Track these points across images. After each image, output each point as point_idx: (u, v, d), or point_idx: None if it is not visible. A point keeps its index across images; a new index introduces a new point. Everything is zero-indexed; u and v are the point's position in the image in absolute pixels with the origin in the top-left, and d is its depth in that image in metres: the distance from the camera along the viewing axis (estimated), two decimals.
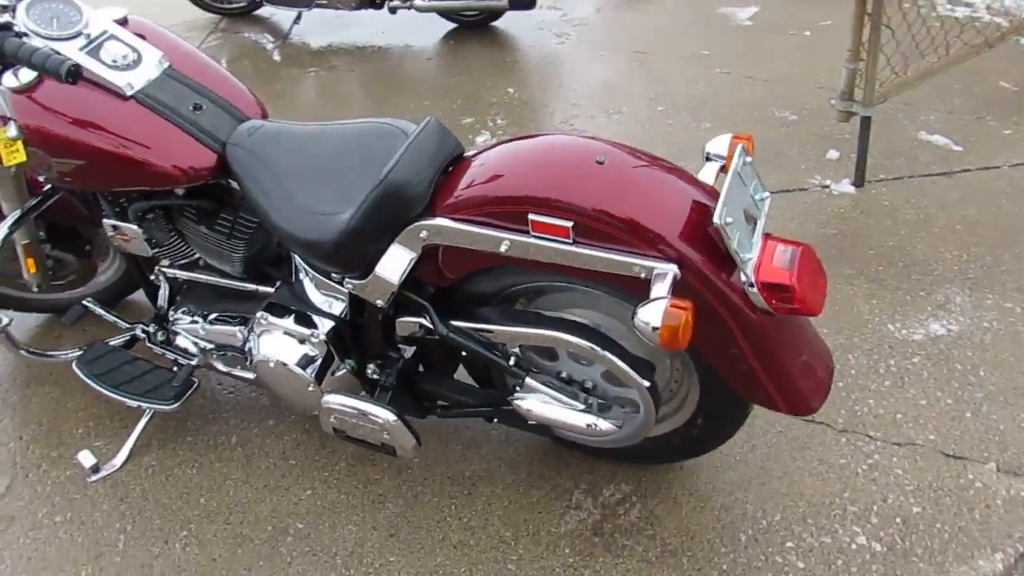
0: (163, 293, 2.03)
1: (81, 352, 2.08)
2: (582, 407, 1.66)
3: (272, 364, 1.78)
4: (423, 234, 1.55)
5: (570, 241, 1.44)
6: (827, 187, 2.88)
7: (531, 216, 1.45)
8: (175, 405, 1.97)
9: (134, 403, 1.97)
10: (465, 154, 1.65)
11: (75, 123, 1.69)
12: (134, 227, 1.83)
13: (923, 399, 2.02)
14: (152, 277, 2.02)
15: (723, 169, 1.57)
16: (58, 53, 1.52)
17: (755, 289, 1.39)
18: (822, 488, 1.83)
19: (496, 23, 4.55)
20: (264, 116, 1.87)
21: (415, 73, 4.13)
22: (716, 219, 1.31)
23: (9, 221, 1.92)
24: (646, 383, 1.56)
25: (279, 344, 1.78)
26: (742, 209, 1.40)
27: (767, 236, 1.45)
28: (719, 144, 1.58)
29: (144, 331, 2.06)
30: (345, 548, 1.80)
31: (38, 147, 1.72)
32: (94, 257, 2.33)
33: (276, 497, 1.93)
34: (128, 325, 2.09)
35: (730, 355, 1.50)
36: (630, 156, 1.50)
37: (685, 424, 1.76)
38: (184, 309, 2.01)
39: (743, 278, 1.37)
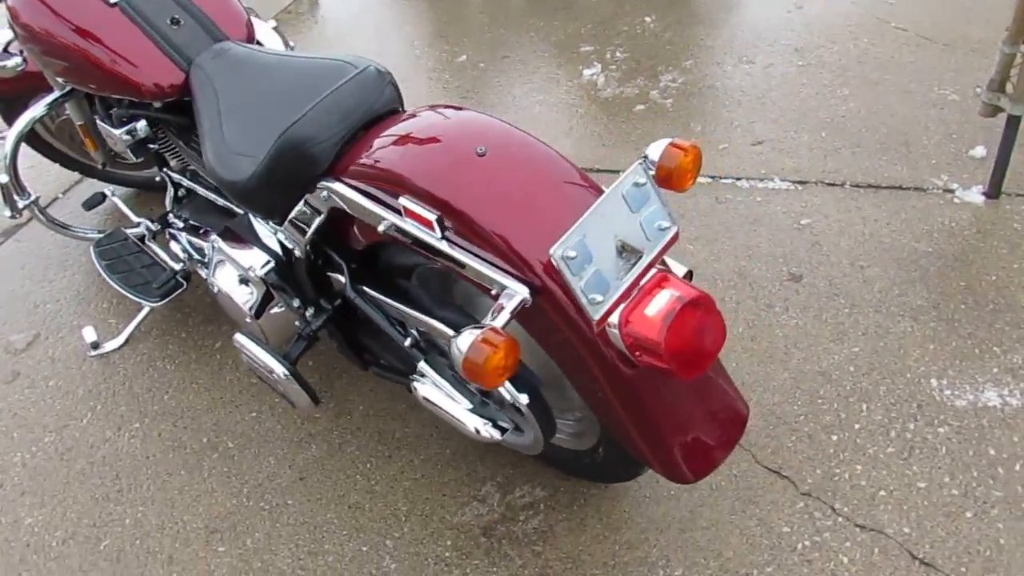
0: (168, 194, 2.11)
1: (100, 236, 2.23)
2: (470, 406, 1.54)
3: (217, 289, 1.80)
4: (323, 195, 1.46)
5: (436, 234, 1.29)
6: (951, 192, 2.39)
7: (402, 200, 1.31)
8: (158, 303, 2.07)
9: (125, 293, 2.09)
10: (400, 112, 1.52)
11: (62, 23, 1.74)
12: (116, 132, 1.88)
13: (923, 481, 1.67)
14: (157, 179, 2.09)
15: (652, 178, 1.32)
16: None
17: (616, 331, 1.18)
18: (745, 554, 1.59)
19: None
20: (249, 38, 1.82)
21: None
22: (552, 250, 1.10)
23: (41, 104, 2.04)
24: (523, 398, 1.41)
25: (224, 272, 1.79)
26: (616, 240, 1.17)
27: (662, 275, 1.21)
28: (656, 150, 1.32)
29: (148, 228, 2.16)
30: (256, 478, 1.84)
31: (32, 44, 1.79)
32: None
33: (224, 412, 2.00)
34: (136, 220, 2.20)
35: (599, 400, 1.31)
36: (519, 151, 1.30)
37: (589, 450, 1.59)
38: (181, 214, 2.08)
39: (593, 321, 1.16)
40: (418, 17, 3.82)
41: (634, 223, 1.18)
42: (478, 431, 1.50)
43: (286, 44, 2.32)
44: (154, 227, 2.15)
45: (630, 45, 3.33)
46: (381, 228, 1.37)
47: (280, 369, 1.63)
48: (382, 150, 1.37)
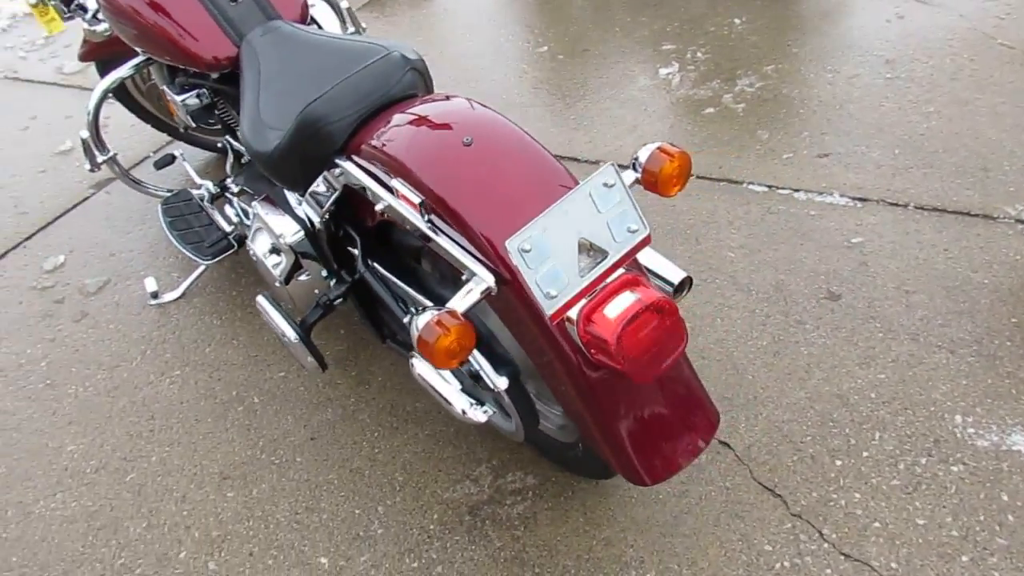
0: (228, 160, 2.24)
1: (168, 194, 2.40)
2: (460, 387, 1.58)
3: (252, 254, 1.92)
4: (337, 171, 1.54)
5: (422, 217, 1.34)
6: (1023, 224, 2.25)
7: (394, 182, 1.37)
8: (209, 261, 2.21)
9: (181, 250, 2.25)
10: (417, 97, 1.58)
11: None
12: (178, 98, 2.02)
13: (923, 518, 1.60)
14: (219, 145, 2.23)
15: (638, 181, 1.33)
16: None
17: (575, 328, 1.20)
18: (720, 566, 1.57)
19: None
20: (302, 18, 1.91)
21: None
22: (507, 242, 1.13)
23: (123, 68, 2.21)
24: (502, 383, 1.44)
25: (261, 238, 1.90)
26: (579, 238, 1.18)
27: (629, 277, 1.22)
28: (644, 153, 1.33)
29: (208, 190, 2.31)
30: (273, 434, 1.95)
31: (109, 11, 1.95)
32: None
33: (256, 369, 2.12)
34: (199, 182, 2.35)
35: (562, 394, 1.33)
36: (504, 144, 1.32)
37: (572, 443, 1.61)
38: (237, 180, 2.21)
39: (546, 315, 1.18)
40: (510, 5, 3.87)
41: (600, 223, 1.19)
42: (464, 412, 1.54)
43: (357, 27, 2.42)
44: (213, 190, 2.29)
45: (713, 46, 3.28)
46: (378, 207, 1.43)
47: (291, 333, 1.72)
48: (386, 133, 1.43)
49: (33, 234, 2.75)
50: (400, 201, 1.37)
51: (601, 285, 1.20)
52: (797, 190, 2.47)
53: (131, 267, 2.52)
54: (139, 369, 2.17)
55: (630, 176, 1.32)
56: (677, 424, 1.32)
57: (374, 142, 1.44)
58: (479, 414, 1.53)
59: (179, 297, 2.37)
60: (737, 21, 3.43)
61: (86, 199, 2.88)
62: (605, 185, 1.18)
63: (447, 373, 1.58)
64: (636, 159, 1.32)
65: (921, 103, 2.76)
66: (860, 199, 2.40)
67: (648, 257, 1.48)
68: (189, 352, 2.20)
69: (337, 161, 1.51)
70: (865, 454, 1.72)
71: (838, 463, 1.71)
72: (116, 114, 3.12)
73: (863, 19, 3.28)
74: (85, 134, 2.21)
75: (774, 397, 1.86)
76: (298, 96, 1.58)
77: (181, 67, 1.97)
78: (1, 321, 2.39)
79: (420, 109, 1.44)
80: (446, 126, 1.36)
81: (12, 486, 1.90)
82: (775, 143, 2.68)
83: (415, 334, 1.16)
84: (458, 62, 3.48)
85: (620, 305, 1.18)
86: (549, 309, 1.15)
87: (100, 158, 2.29)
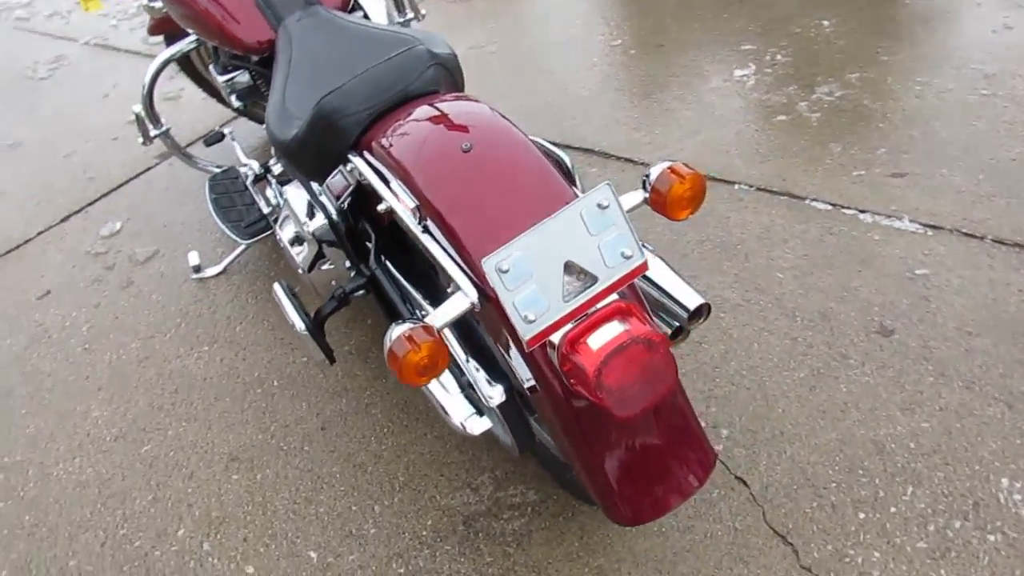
0: None
1: (218, 171, 2.43)
2: (460, 392, 1.53)
3: (279, 240, 1.92)
4: (349, 167, 1.50)
5: (418, 223, 1.29)
6: None
7: (393, 184, 1.32)
8: (246, 240, 2.23)
9: (221, 226, 2.27)
10: (436, 94, 1.52)
11: None
12: (220, 78, 2.02)
13: None
14: (263, 125, 2.24)
15: (646, 201, 1.25)
16: None
17: (555, 355, 1.13)
18: None
19: None
20: (343, 5, 1.88)
21: None
22: (484, 260, 1.06)
23: (176, 46, 2.24)
24: (496, 398, 1.38)
25: (286, 225, 1.90)
26: (566, 260, 1.11)
27: (620, 306, 1.14)
28: (655, 171, 1.24)
29: (252, 170, 2.32)
30: (286, 419, 1.95)
31: None
32: None
33: (280, 352, 2.13)
34: (245, 162, 2.37)
35: (547, 418, 1.26)
36: (505, 152, 1.26)
37: (568, 464, 1.53)
38: (278, 162, 2.21)
39: (523, 339, 1.11)
40: None
41: (592, 246, 1.11)
42: (462, 425, 1.49)
43: (416, 12, 2.39)
44: (257, 171, 2.30)
45: (796, 49, 3.10)
46: (380, 208, 1.39)
47: (299, 325, 1.70)
48: (394, 132, 1.38)
49: (96, 200, 2.84)
50: (400, 204, 1.32)
51: (588, 311, 1.12)
52: (863, 211, 2.30)
53: (180, 239, 2.57)
54: (171, 342, 2.21)
55: (639, 196, 1.23)
56: (667, 462, 1.23)
57: (382, 140, 1.39)
58: (474, 426, 1.47)
59: (219, 273, 2.40)
60: (826, 23, 3.24)
61: (149, 169, 2.95)
62: (599, 206, 1.10)
63: (449, 381, 1.53)
64: (647, 177, 1.23)
65: (1018, 125, 2.53)
66: (932, 226, 2.22)
67: (665, 278, 1.39)
68: (220, 329, 2.22)
69: (349, 156, 1.47)
70: (893, 509, 1.58)
71: (861, 515, 1.58)
72: (190, 87, 3.18)
73: (965, 27, 3.04)
74: (138, 108, 2.25)
75: (802, 435, 1.74)
76: (319, 86, 1.54)
77: (224, 48, 1.97)
78: (55, 283, 2.48)
79: (429, 109, 1.38)
80: (449, 129, 1.30)
81: (37, 446, 1.97)
82: (847, 158, 2.50)
83: (387, 345, 1.11)
84: (526, 51, 3.41)
85: (605, 335, 1.10)
86: (526, 334, 1.08)
87: (153, 132, 2.33)
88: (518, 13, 3.71)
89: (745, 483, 1.67)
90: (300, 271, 1.86)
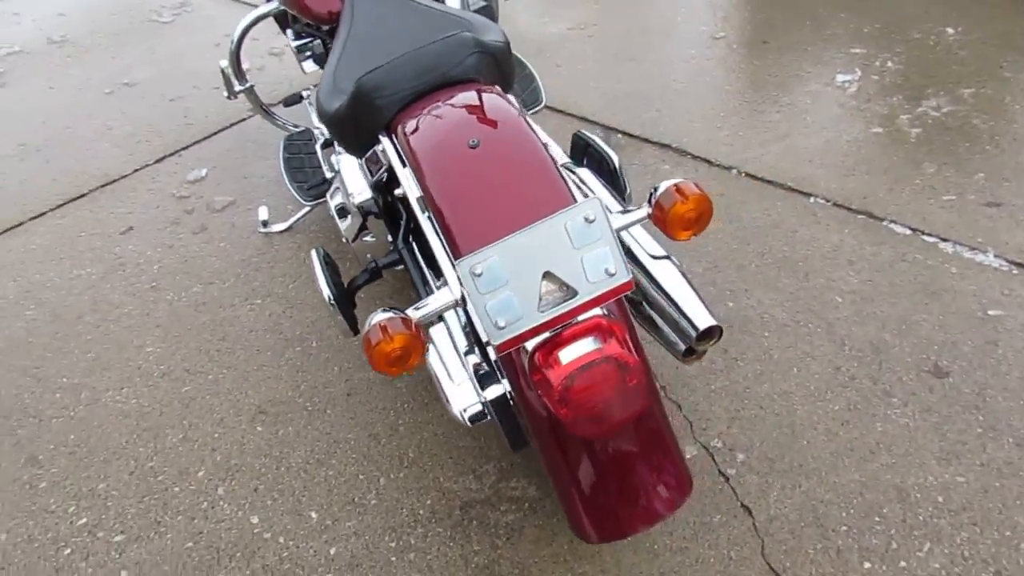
0: None
1: (295, 131, 2.51)
2: (462, 378, 1.53)
3: (329, 207, 1.97)
4: (380, 147, 1.52)
5: (422, 212, 1.30)
6: None
7: (406, 170, 1.33)
8: (307, 202, 2.30)
9: (287, 185, 2.35)
10: (473, 82, 1.51)
11: None
12: (293, 43, 2.07)
13: None
14: None
15: (650, 216, 1.20)
16: None
17: (526, 363, 1.12)
18: None
19: None
20: None
21: None
22: (458, 261, 1.06)
23: (257, 12, 2.30)
24: (491, 392, 1.38)
25: (336, 193, 1.94)
26: (545, 270, 1.08)
27: (599, 322, 1.11)
28: (661, 187, 1.19)
29: (322, 134, 2.38)
30: (316, 381, 2.02)
31: None
32: None
33: (324, 313, 2.19)
34: (318, 125, 2.43)
35: (524, 422, 1.25)
36: (512, 151, 1.23)
37: None
38: None
39: (492, 345, 1.10)
40: None
41: (575, 259, 1.08)
42: (463, 414, 1.50)
43: None
44: (326, 136, 2.36)
45: (911, 56, 2.90)
46: (397, 191, 1.40)
47: (326, 293, 1.74)
48: (417, 118, 1.38)
49: (190, 145, 2.99)
50: (409, 191, 1.32)
51: (566, 324, 1.10)
52: (946, 240, 2.15)
53: (256, 192, 2.68)
54: (229, 290, 2.31)
55: (644, 210, 1.19)
56: (636, 486, 1.20)
57: (406, 125, 1.40)
58: (466, 414, 1.48)
59: (285, 230, 2.48)
60: (950, 30, 3.01)
61: (243, 120, 3.08)
62: (585, 219, 1.07)
63: (457, 368, 1.54)
64: (653, 191, 1.19)
65: None
66: (1019, 264, 2.05)
67: (681, 294, 1.35)
68: (275, 284, 2.31)
69: (380, 136, 1.49)
70: (903, 564, 1.49)
71: (867, 566, 1.49)
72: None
73: None
74: (224, 63, 2.33)
75: (822, 471, 1.66)
76: (365, 62, 1.56)
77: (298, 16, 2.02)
78: (138, 220, 2.63)
79: (455, 100, 1.38)
80: (462, 124, 1.30)
81: (93, 372, 2.11)
82: (939, 180, 2.33)
83: (364, 330, 1.13)
84: (624, 36, 3.33)
85: (577, 351, 1.07)
86: (495, 339, 1.07)
87: (237, 87, 2.42)
88: (620, 5, 3.63)
89: (750, 512, 1.61)
90: (344, 240, 1.90)
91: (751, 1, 3.43)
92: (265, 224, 2.47)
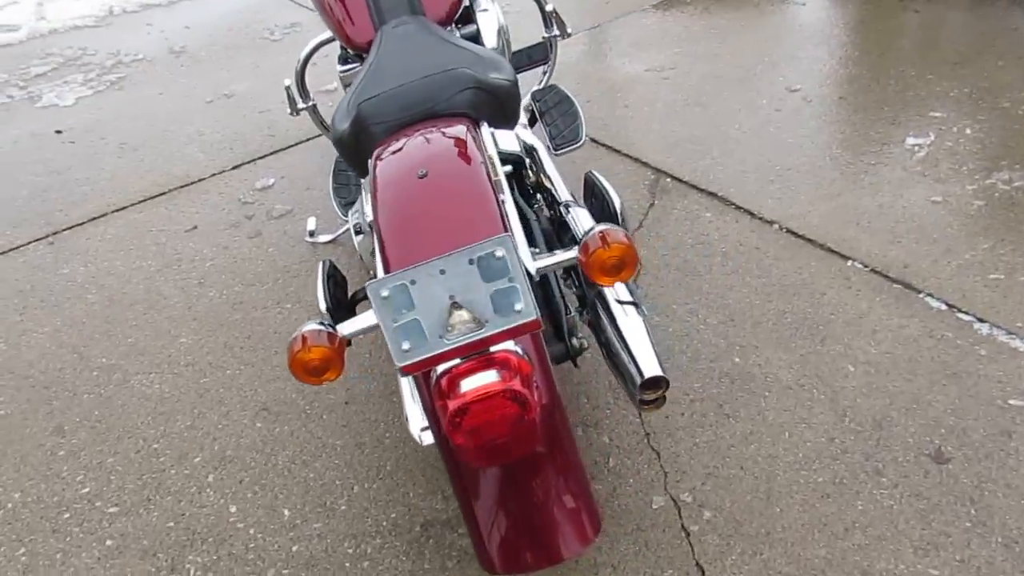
0: None
1: None
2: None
3: (349, 225, 2.07)
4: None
5: (369, 231, 1.36)
6: None
7: (367, 193, 1.40)
8: (345, 218, 2.42)
9: (331, 199, 2.48)
10: (465, 118, 1.57)
11: None
12: (338, 68, 2.20)
13: None
14: None
15: (578, 260, 1.22)
16: None
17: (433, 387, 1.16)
18: None
19: None
20: (447, 18, 1.97)
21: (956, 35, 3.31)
22: (368, 283, 1.11)
23: (319, 38, 2.44)
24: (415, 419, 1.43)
25: (356, 213, 2.04)
26: (453, 300, 1.12)
27: (508, 357, 1.13)
28: (590, 232, 1.20)
29: None
30: (319, 387, 2.11)
31: None
32: None
33: None
34: None
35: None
36: (456, 184, 1.28)
37: None
38: None
39: (397, 365, 1.14)
40: (802, 28, 3.58)
41: (484, 293, 1.11)
42: (417, 435, 1.55)
43: (563, 30, 2.44)
44: None
45: (993, 125, 2.75)
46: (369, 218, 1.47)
47: (321, 304, 1.83)
48: (388, 147, 1.45)
49: (266, 155, 3.19)
50: (369, 213, 1.39)
51: (474, 354, 1.13)
52: (983, 320, 2.03)
53: (314, 204, 2.83)
54: (265, 293, 2.45)
55: (572, 253, 1.21)
56: (536, 524, 1.21)
57: (381, 152, 1.47)
58: (428, 438, 1.52)
59: (329, 241, 2.61)
60: None
61: (319, 136, 3.26)
62: (494, 256, 1.10)
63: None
64: (585, 233, 1.21)
65: None
66: None
67: (635, 340, 1.36)
68: (306, 292, 2.43)
69: (368, 162, 1.57)
70: None
71: None
72: None
73: None
74: (289, 82, 2.50)
75: (789, 542, 1.60)
76: (372, 90, 1.65)
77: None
78: (204, 220, 2.84)
79: (424, 132, 1.44)
80: (420, 154, 1.35)
81: (130, 355, 2.29)
82: (991, 257, 2.21)
83: (291, 336, 1.20)
84: (698, 81, 3.31)
85: (477, 381, 1.10)
86: (399, 360, 1.11)
87: (300, 105, 2.57)
88: (710, 41, 3.61)
89: (703, 572, 1.57)
90: (360, 258, 1.99)
91: (839, 56, 3.35)
92: (312, 234, 2.60)
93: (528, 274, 1.21)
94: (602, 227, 1.17)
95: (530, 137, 1.99)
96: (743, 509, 1.66)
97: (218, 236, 2.74)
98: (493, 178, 1.30)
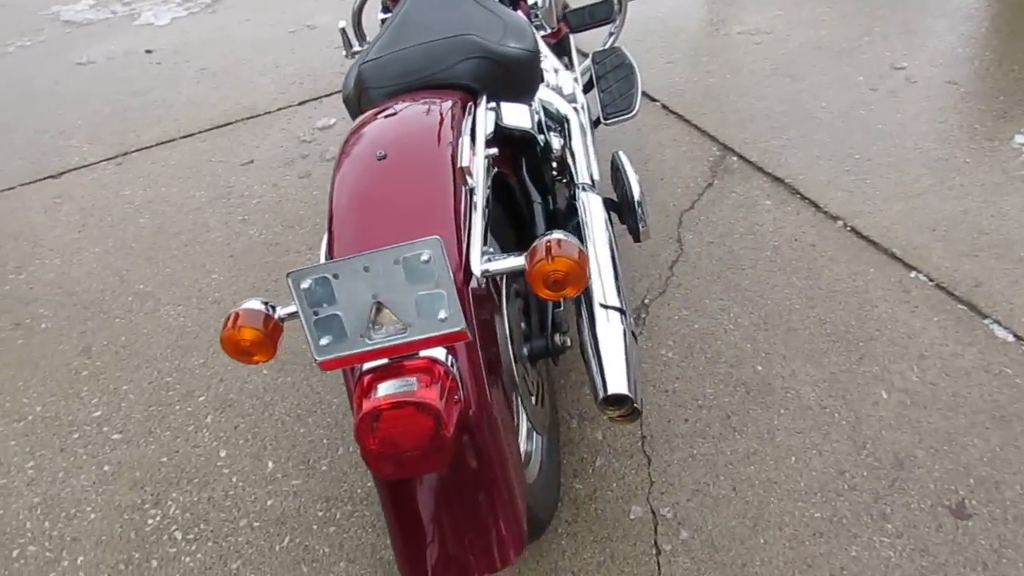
0: None
1: None
2: None
3: None
4: None
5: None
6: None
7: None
8: None
9: None
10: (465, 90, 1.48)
11: None
12: (379, 16, 2.12)
13: None
14: None
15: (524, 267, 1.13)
16: None
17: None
18: None
19: None
20: None
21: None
22: (289, 271, 1.05)
23: None
24: None
25: None
26: (377, 300, 1.04)
27: (431, 364, 1.06)
28: (539, 239, 1.10)
29: None
30: None
31: None
32: None
33: None
34: None
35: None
36: (414, 168, 1.19)
37: None
38: None
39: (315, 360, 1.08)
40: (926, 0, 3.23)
41: (409, 296, 1.03)
42: None
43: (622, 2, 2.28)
44: None
45: None
46: None
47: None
48: (366, 117, 1.38)
49: (332, 93, 3.17)
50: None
51: (393, 358, 1.06)
52: None
53: None
54: (302, 237, 2.45)
55: (520, 260, 1.11)
56: (463, 537, 1.14)
57: (359, 122, 1.40)
58: None
59: None
60: None
61: None
62: (421, 259, 1.02)
63: None
64: (538, 239, 1.11)
65: None
66: None
67: (609, 347, 1.27)
68: None
69: None
70: None
71: None
72: None
73: None
74: (343, 24, 2.44)
75: None
76: (377, 51, 1.58)
77: None
78: (261, 155, 2.86)
79: (408, 105, 1.35)
80: (386, 131, 1.27)
81: (164, 285, 2.35)
82: None
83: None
84: (794, 49, 3.04)
85: (393, 387, 1.04)
86: (318, 355, 1.06)
87: (356, 48, 2.52)
88: (818, 4, 3.31)
89: None
90: None
91: (961, 32, 3.00)
92: None
93: (471, 277, 1.12)
94: (555, 235, 1.06)
95: (566, 106, 1.87)
96: (724, 534, 1.55)
97: (271, 173, 2.75)
98: (462, 165, 1.21)
